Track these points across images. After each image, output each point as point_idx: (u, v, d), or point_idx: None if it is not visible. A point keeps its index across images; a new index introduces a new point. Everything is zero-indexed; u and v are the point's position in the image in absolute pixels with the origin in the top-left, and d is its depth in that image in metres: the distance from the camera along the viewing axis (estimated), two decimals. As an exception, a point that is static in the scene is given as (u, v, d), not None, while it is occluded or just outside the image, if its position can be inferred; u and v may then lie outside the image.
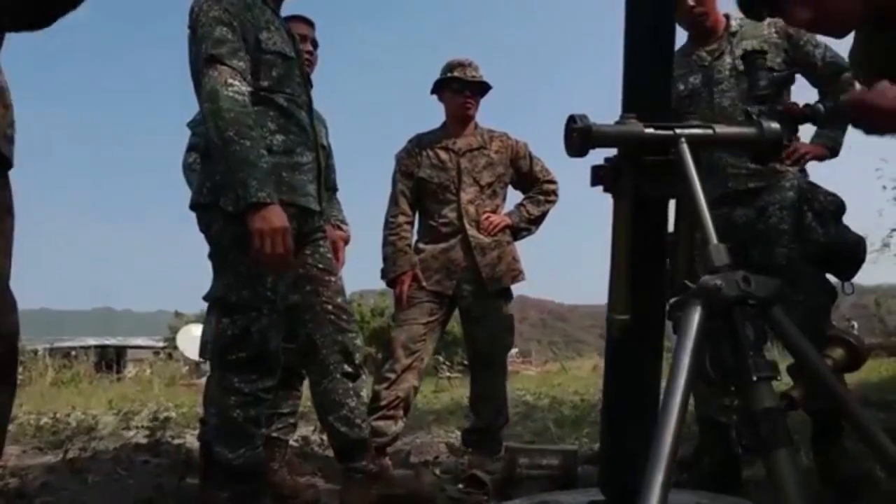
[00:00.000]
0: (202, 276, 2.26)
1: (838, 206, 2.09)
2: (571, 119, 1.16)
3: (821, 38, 2.22)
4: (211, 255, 1.94)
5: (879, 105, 1.21)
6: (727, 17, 2.38)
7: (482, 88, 2.94)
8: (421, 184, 2.88)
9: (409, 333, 2.73)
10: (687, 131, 1.19)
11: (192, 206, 1.92)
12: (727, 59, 2.28)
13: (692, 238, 1.28)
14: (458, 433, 4.32)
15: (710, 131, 1.21)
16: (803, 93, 2.38)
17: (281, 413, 2.48)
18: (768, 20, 2.30)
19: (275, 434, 2.45)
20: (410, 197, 2.90)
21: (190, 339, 16.21)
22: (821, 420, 2.14)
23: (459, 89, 2.88)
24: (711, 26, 2.33)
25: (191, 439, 4.10)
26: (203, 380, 17.93)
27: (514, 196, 3.07)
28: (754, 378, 0.98)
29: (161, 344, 24.08)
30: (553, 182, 3.03)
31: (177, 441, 3.86)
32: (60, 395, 11.67)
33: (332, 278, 2.03)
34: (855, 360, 1.14)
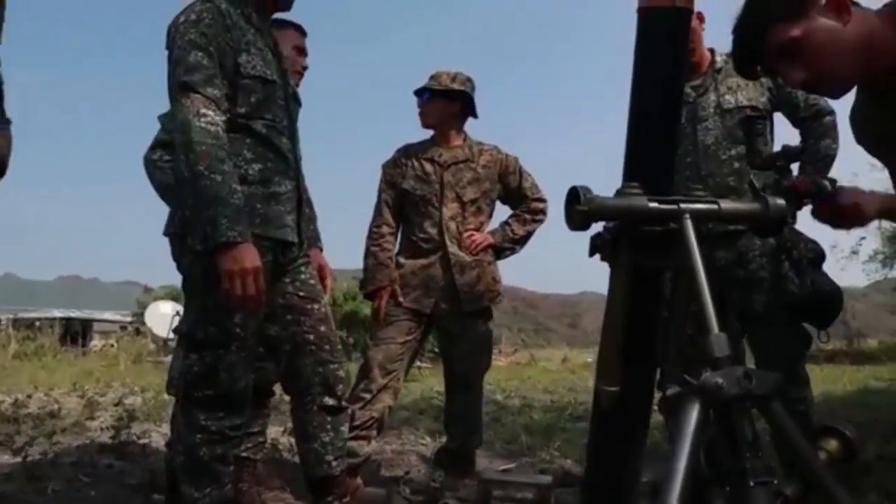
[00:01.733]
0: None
1: (817, 255, 2.09)
2: (573, 192, 1.11)
3: None
4: (183, 286, 1.87)
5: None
6: (712, 52, 2.35)
7: (442, 95, 2.83)
8: (404, 195, 2.81)
9: (387, 353, 2.67)
10: (691, 206, 1.15)
11: (165, 234, 1.85)
12: (711, 95, 2.26)
13: (687, 311, 1.25)
14: (429, 440, 4.32)
15: (714, 206, 1.18)
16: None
17: (251, 432, 2.42)
18: None
19: (244, 454, 2.39)
20: (394, 208, 2.85)
21: (158, 317, 16.01)
22: None
23: (424, 96, 2.84)
24: (697, 62, 2.30)
25: (156, 438, 4.02)
26: (170, 358, 17.73)
27: (501, 211, 3.04)
28: (751, 483, 0.95)
29: (129, 319, 23.76)
30: (542, 200, 2.98)
31: (142, 440, 3.79)
32: (23, 368, 11.47)
33: (315, 306, 1.96)
34: (850, 451, 1.12)
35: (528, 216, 2.96)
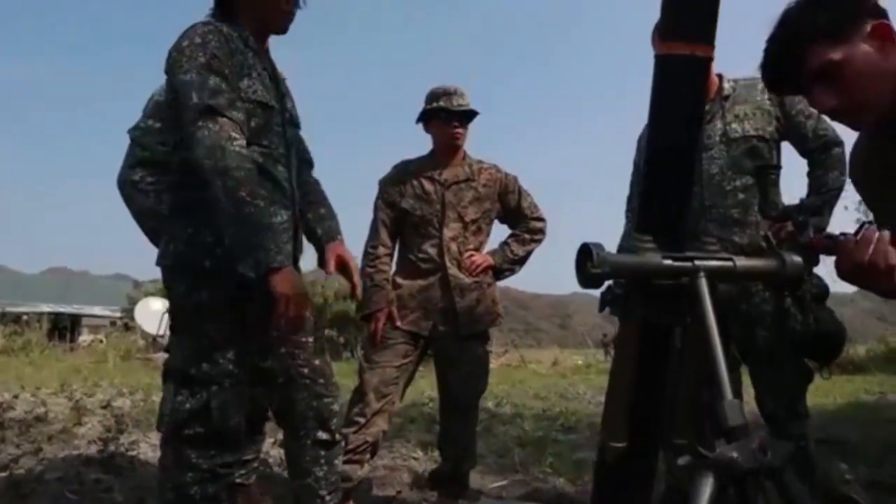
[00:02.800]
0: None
1: (821, 291, 2.05)
2: (585, 250, 1.08)
3: (813, 110, 2.18)
4: (173, 320, 1.82)
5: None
6: (720, 77, 2.29)
7: (470, 116, 2.83)
8: (403, 214, 2.77)
9: (382, 377, 2.63)
10: (706, 263, 1.12)
11: (158, 264, 1.80)
12: (718, 123, 2.20)
13: (696, 368, 1.22)
14: (421, 453, 4.28)
15: (730, 264, 1.14)
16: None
17: (245, 460, 2.38)
18: (762, 85, 2.24)
19: (238, 480, 2.34)
20: (391, 227, 2.80)
21: (148, 313, 15.93)
22: None
23: (447, 119, 2.77)
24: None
25: (145, 448, 3.97)
26: (159, 355, 17.72)
27: (498, 229, 3.00)
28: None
29: (118, 314, 23.56)
30: (541, 220, 2.94)
31: (131, 452, 3.73)
32: (10, 365, 11.37)
33: (310, 339, 1.92)
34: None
35: (527, 236, 2.92)
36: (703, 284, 1.11)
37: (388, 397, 2.64)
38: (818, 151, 2.20)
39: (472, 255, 2.76)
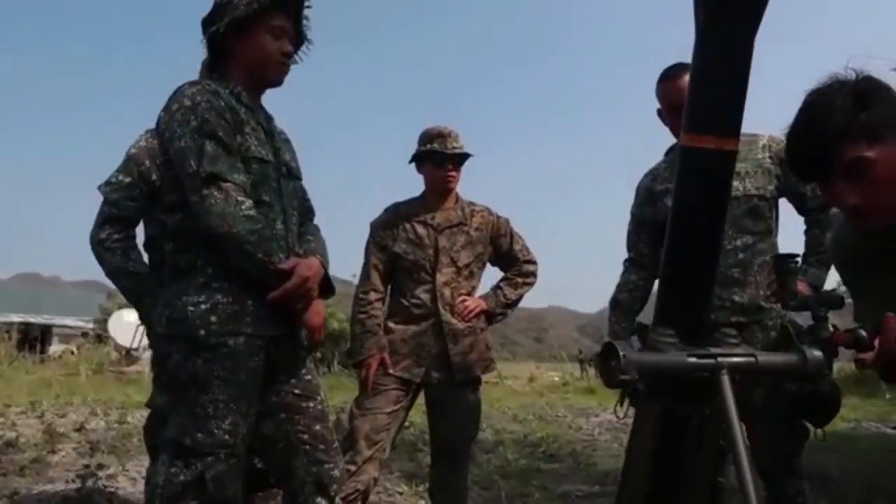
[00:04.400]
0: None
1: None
2: (611, 349, 1.05)
3: None
4: (167, 389, 1.77)
5: None
6: None
7: (463, 159, 2.81)
8: (395, 258, 2.73)
9: (373, 424, 2.58)
10: (729, 360, 1.10)
11: (150, 333, 1.76)
12: None
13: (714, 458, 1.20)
14: (406, 487, 4.23)
15: (752, 359, 1.13)
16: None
17: None
18: (763, 143, 2.26)
19: None
20: (383, 271, 2.76)
21: (122, 325, 15.66)
22: None
23: (440, 162, 2.74)
24: None
25: (123, 482, 3.87)
26: (133, 368, 17.37)
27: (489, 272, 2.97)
28: None
29: (91, 325, 23.11)
30: (533, 263, 2.92)
31: (109, 488, 3.63)
32: (-22, 377, 11.12)
33: (311, 404, 1.86)
34: None
35: (519, 279, 2.90)
36: (726, 381, 1.09)
37: (379, 444, 2.59)
38: (816, 211, 2.22)
39: (464, 300, 2.72)
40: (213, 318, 1.66)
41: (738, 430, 1.06)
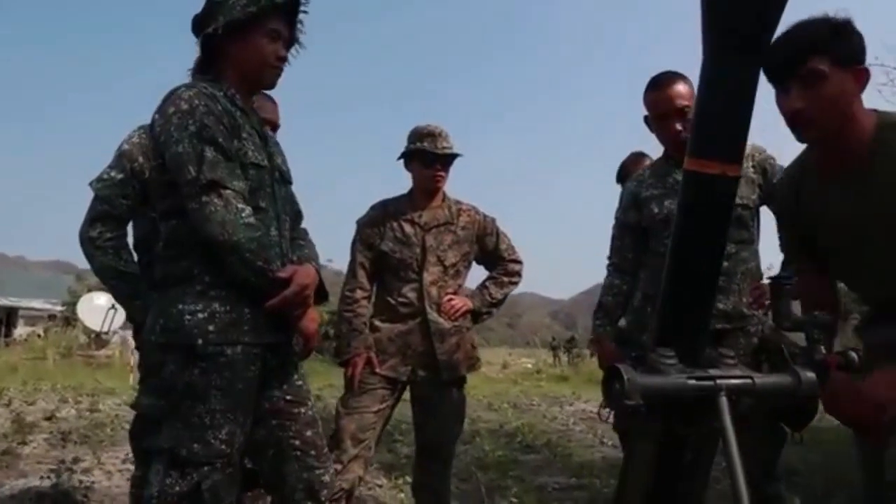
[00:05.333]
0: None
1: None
2: (615, 371, 1.07)
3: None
4: (163, 398, 1.73)
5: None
6: None
7: (453, 159, 2.81)
8: (382, 257, 2.72)
9: (360, 423, 2.59)
10: (727, 382, 1.13)
11: (147, 340, 1.74)
12: None
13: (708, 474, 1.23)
14: (385, 480, 4.25)
15: (749, 381, 1.16)
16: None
17: None
18: (746, 152, 2.30)
19: None
20: (370, 269, 2.75)
21: (92, 308, 15.42)
22: None
23: (429, 162, 2.74)
24: None
25: (99, 476, 3.83)
26: (102, 352, 17.10)
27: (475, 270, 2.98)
28: None
29: (59, 308, 22.64)
30: (518, 262, 2.94)
31: (84, 482, 3.59)
32: (-58, 362, 10.89)
33: (303, 409, 1.85)
34: None
35: (505, 278, 2.91)
36: (725, 402, 1.12)
37: (364, 443, 2.60)
38: None
39: (451, 299, 2.73)
40: (211, 328, 1.64)
41: (737, 450, 1.09)
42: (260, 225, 1.68)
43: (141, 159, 2.09)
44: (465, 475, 4.48)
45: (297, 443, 1.81)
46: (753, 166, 2.26)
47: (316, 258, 1.94)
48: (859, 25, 1.43)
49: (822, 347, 1.20)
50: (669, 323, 1.20)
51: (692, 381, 1.11)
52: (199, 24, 1.80)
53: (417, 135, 2.76)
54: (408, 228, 2.73)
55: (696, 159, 1.12)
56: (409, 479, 4.02)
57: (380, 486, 4.09)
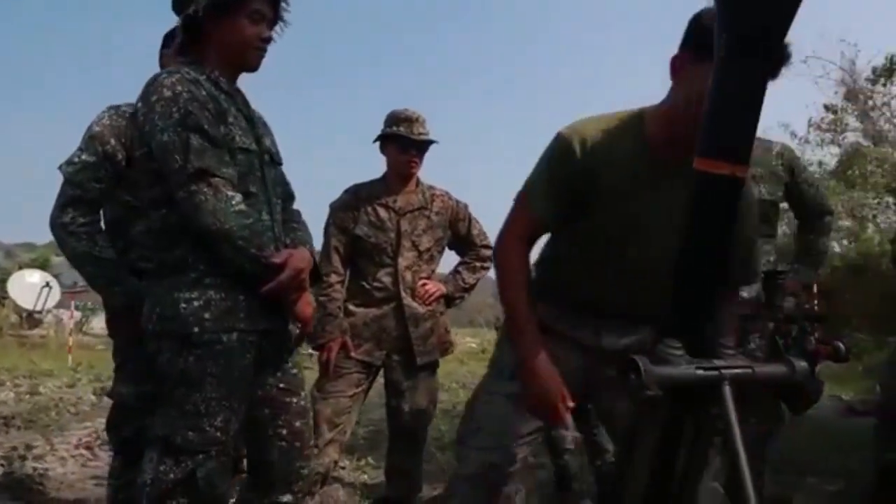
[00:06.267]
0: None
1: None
2: (632, 363, 1.12)
3: (812, 180, 2.40)
4: (159, 386, 1.71)
5: None
6: None
7: (428, 145, 2.81)
8: (356, 241, 2.72)
9: (335, 408, 2.60)
10: (730, 371, 1.19)
11: (145, 328, 1.70)
12: None
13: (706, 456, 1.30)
14: (348, 462, 4.26)
15: (750, 371, 1.22)
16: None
17: None
18: (776, 150, 2.41)
19: None
20: (344, 253, 2.75)
21: (24, 286, 14.81)
22: None
23: (404, 147, 2.74)
24: None
25: (52, 462, 3.72)
26: (36, 332, 16.43)
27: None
28: None
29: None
30: (490, 247, 2.96)
31: (38, 469, 3.48)
32: None
33: (295, 399, 1.85)
34: None
35: (477, 263, 2.95)
36: (728, 391, 1.18)
37: (340, 427, 2.62)
38: (814, 217, 2.44)
39: (425, 284, 2.76)
40: (207, 315, 1.62)
41: (739, 436, 1.15)
42: (251, 211, 1.67)
43: (113, 141, 2.03)
44: (425, 457, 4.53)
45: (285, 432, 1.81)
46: (782, 164, 2.38)
47: (310, 240, 1.93)
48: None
49: (813, 338, 1.27)
50: (677, 316, 1.25)
51: (700, 371, 1.17)
52: (180, 4, 1.76)
53: (394, 119, 2.76)
54: (382, 213, 2.73)
55: (706, 159, 1.16)
56: (371, 460, 4.07)
57: (343, 468, 4.09)
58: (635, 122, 1.60)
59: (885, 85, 10.12)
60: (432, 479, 3.89)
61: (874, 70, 9.97)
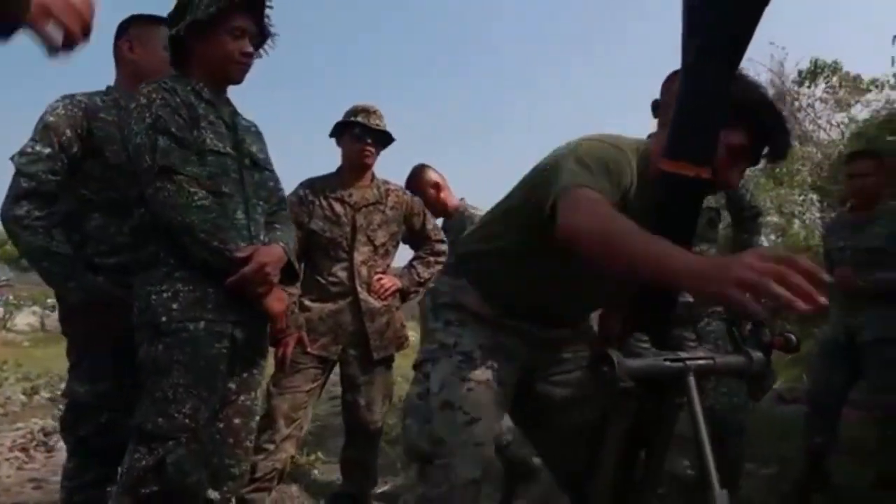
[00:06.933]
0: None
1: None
2: (605, 356, 1.17)
3: (747, 185, 2.58)
4: (137, 375, 1.74)
5: None
6: None
7: (384, 139, 2.82)
8: (311, 236, 2.70)
9: (292, 403, 2.59)
10: (695, 363, 1.26)
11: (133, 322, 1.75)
12: None
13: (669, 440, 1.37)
14: (308, 470, 4.22)
15: (711, 362, 1.29)
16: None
17: None
18: None
19: None
20: (298, 248, 2.72)
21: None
22: None
23: (360, 136, 2.74)
24: None
25: (7, 470, 3.58)
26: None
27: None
28: None
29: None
30: (443, 242, 3.01)
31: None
32: None
33: (242, 398, 1.87)
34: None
35: (431, 258, 2.97)
36: (692, 381, 1.25)
37: (297, 422, 2.60)
38: (749, 220, 2.65)
39: (381, 279, 2.76)
40: (175, 305, 1.69)
41: (703, 422, 1.21)
42: (215, 207, 1.73)
43: (69, 132, 1.96)
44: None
45: (221, 426, 1.84)
46: None
47: (288, 241, 1.96)
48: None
49: (767, 331, 1.36)
50: (644, 313, 1.31)
51: (667, 363, 1.23)
52: (170, 21, 1.87)
53: (353, 110, 2.77)
54: (338, 207, 2.72)
55: (674, 161, 1.22)
56: (321, 454, 4.05)
57: (293, 463, 4.06)
58: (643, 161, 1.43)
59: (809, 87, 10.61)
60: (384, 473, 3.91)
61: (800, 73, 10.43)
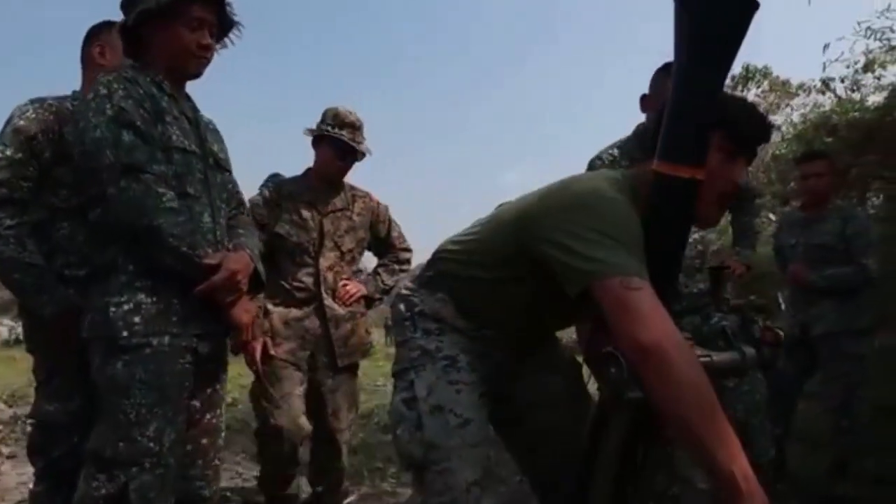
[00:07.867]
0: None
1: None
2: (612, 356, 1.18)
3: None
4: (92, 398, 1.63)
5: None
6: None
7: (362, 156, 2.76)
8: (276, 240, 2.63)
9: (290, 415, 2.50)
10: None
11: (81, 337, 1.59)
12: None
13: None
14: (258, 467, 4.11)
15: (708, 359, 1.31)
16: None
17: None
18: None
19: None
20: (263, 251, 2.66)
21: None
22: None
23: (342, 155, 2.68)
24: None
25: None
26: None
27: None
28: None
29: None
30: (409, 250, 2.99)
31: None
32: None
33: (208, 416, 1.77)
34: None
35: (395, 266, 2.94)
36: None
37: (304, 431, 2.56)
38: (748, 201, 2.68)
39: (346, 285, 2.72)
40: (137, 319, 1.56)
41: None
42: (184, 210, 1.62)
43: (40, 137, 1.85)
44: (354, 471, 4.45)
45: (189, 448, 1.73)
46: None
47: (253, 246, 1.86)
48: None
49: (757, 326, 1.39)
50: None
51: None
52: (124, 9, 1.73)
53: (338, 121, 2.69)
54: (305, 212, 2.67)
55: (669, 164, 1.24)
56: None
57: (256, 477, 3.96)
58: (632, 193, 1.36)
59: (742, 91, 11.06)
60: (351, 482, 3.85)
61: (733, 77, 10.86)
